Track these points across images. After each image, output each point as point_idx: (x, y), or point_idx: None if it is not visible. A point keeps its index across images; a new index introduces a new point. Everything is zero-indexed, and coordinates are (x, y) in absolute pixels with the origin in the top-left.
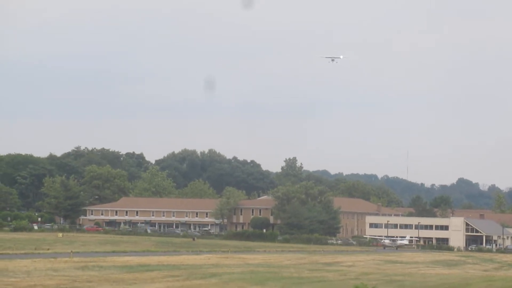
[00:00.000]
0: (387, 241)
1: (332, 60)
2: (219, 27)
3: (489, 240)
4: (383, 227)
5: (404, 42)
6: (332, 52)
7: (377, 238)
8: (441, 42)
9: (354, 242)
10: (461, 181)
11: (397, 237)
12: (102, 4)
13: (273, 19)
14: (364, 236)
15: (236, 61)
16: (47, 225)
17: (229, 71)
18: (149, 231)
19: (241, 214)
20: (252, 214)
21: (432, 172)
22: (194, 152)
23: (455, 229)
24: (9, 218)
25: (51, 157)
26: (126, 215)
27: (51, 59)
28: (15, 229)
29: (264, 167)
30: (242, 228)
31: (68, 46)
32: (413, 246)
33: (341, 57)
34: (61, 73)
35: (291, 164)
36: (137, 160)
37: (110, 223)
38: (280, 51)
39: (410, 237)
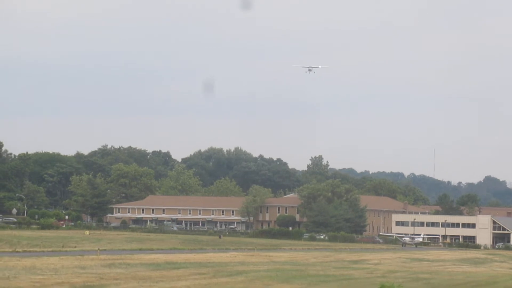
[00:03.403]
0: (407, 239)
1: (310, 70)
2: (238, 24)
3: None
4: (410, 225)
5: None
6: (318, 63)
7: (396, 236)
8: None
9: (381, 240)
10: (488, 179)
11: (422, 234)
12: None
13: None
14: (390, 234)
15: (254, 59)
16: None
17: (248, 68)
18: (175, 229)
19: (267, 212)
20: (278, 212)
21: (459, 170)
22: (220, 150)
23: (482, 227)
24: (36, 216)
25: (78, 156)
26: (153, 213)
27: (78, 58)
28: (43, 227)
29: (290, 166)
30: (268, 226)
31: (92, 45)
32: (440, 244)
33: (320, 66)
34: (88, 72)
35: (317, 162)
36: (164, 159)
37: (137, 221)
38: (298, 48)
39: (424, 234)
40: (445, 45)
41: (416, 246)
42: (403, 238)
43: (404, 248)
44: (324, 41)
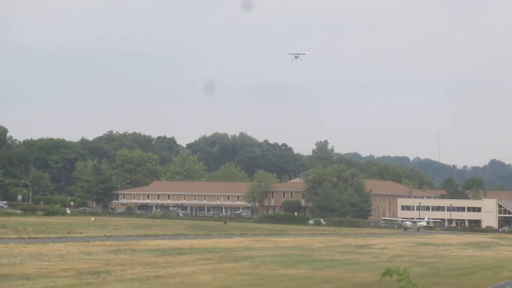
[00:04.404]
0: (408, 223)
1: (296, 57)
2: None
3: None
4: (415, 209)
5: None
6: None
7: (401, 221)
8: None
9: (386, 225)
10: (494, 163)
11: (426, 218)
12: None
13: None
14: (395, 219)
15: (259, 46)
16: (80, 209)
17: (258, 53)
18: (181, 214)
19: (273, 197)
20: (284, 197)
21: (464, 153)
22: (225, 135)
23: (488, 211)
24: (42, 202)
25: (83, 141)
26: (158, 198)
27: (83, 44)
28: (48, 213)
29: (295, 151)
30: (274, 211)
31: (97, 31)
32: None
33: (306, 53)
34: (93, 58)
35: (322, 147)
36: (169, 144)
37: (142, 207)
38: (301, 35)
39: (428, 218)
40: (450, 28)
41: (418, 230)
42: (404, 223)
43: (407, 232)
44: (325, 26)
